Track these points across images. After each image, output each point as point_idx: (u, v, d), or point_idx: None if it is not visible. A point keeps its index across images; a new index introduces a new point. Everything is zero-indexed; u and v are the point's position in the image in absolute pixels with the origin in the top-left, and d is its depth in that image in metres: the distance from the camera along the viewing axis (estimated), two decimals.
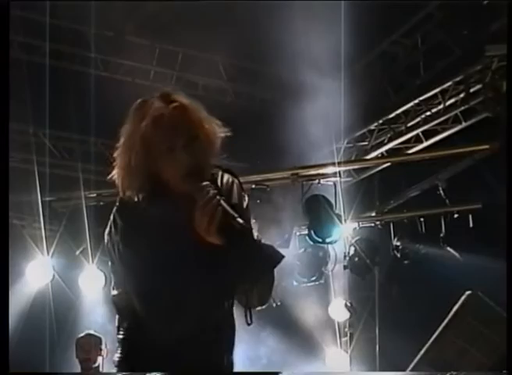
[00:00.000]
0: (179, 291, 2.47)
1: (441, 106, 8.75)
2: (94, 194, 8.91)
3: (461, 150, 8.41)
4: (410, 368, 6.16)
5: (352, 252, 9.38)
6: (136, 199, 2.61)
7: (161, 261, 2.48)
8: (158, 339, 2.51)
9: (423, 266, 8.90)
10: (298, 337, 10.20)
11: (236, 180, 2.74)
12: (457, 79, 8.44)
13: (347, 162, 9.42)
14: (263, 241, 2.61)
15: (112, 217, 2.64)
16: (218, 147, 2.64)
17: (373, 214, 9.88)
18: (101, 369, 6.72)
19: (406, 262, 9.23)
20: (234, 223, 2.43)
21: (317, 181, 8.58)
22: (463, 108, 8.56)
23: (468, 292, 6.23)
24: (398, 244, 9.34)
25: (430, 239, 9.00)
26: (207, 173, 2.58)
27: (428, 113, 8.92)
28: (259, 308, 2.65)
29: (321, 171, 8.62)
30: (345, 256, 9.37)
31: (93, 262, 9.19)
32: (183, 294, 2.47)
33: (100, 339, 6.86)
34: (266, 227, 8.18)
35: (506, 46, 5.84)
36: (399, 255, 9.29)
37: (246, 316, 2.59)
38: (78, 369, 6.89)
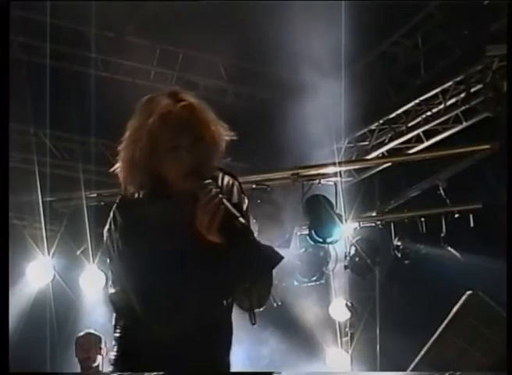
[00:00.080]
0: (177, 290, 2.47)
1: (442, 106, 8.74)
2: (95, 195, 8.92)
3: (462, 150, 8.41)
4: (410, 368, 6.16)
5: (353, 252, 9.37)
6: (136, 196, 2.61)
7: (160, 259, 2.48)
8: (155, 338, 2.51)
9: (424, 265, 8.90)
10: (299, 337, 10.19)
11: (236, 183, 2.75)
12: (458, 79, 8.43)
13: (348, 162, 9.42)
14: (262, 242, 2.61)
15: (111, 214, 2.64)
16: (222, 149, 2.65)
17: (374, 214, 9.88)
18: (100, 369, 6.70)
19: (406, 262, 9.22)
20: (235, 223, 2.44)
21: (317, 181, 8.58)
22: (463, 108, 8.55)
23: (469, 292, 6.23)
24: (399, 244, 9.34)
25: (431, 239, 8.99)
26: (209, 173, 2.58)
27: (429, 113, 8.92)
28: (257, 310, 2.64)
29: (321, 171, 8.62)
30: (346, 256, 9.37)
31: (93, 262, 9.19)
32: (182, 292, 2.47)
33: (100, 338, 6.84)
34: (267, 227, 8.19)
35: (507, 46, 5.84)
36: (399, 255, 9.28)
37: (250, 316, 2.58)
38: (78, 369, 6.88)
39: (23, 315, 9.54)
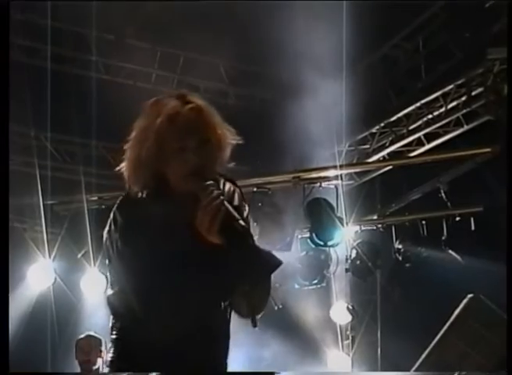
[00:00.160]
0: (176, 290, 2.47)
1: (443, 109, 8.75)
2: (96, 198, 8.91)
3: (463, 153, 8.40)
4: (412, 370, 6.16)
5: (354, 255, 9.37)
6: (137, 196, 2.62)
7: (159, 259, 2.48)
8: (153, 338, 2.51)
9: (424, 268, 8.89)
10: (300, 340, 10.18)
11: (237, 189, 2.75)
12: (459, 82, 8.44)
13: (349, 165, 9.42)
14: (262, 246, 2.61)
15: (112, 215, 2.65)
16: (227, 153, 2.66)
17: (375, 217, 9.88)
18: (101, 371, 6.69)
19: (407, 265, 9.22)
20: (236, 224, 2.44)
21: (318, 184, 8.58)
22: (464, 111, 8.56)
23: (470, 295, 6.24)
24: (400, 247, 9.33)
25: (432, 242, 8.99)
26: (212, 176, 2.59)
27: (430, 116, 8.92)
28: (255, 317, 2.63)
29: (322, 174, 8.62)
30: (347, 259, 9.38)
31: (94, 265, 9.18)
32: (181, 293, 2.47)
33: (100, 340, 6.82)
34: (268, 230, 8.18)
35: (507, 49, 5.84)
36: (400, 258, 9.28)
37: (252, 320, 2.58)
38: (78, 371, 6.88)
39: (24, 318, 9.53)
